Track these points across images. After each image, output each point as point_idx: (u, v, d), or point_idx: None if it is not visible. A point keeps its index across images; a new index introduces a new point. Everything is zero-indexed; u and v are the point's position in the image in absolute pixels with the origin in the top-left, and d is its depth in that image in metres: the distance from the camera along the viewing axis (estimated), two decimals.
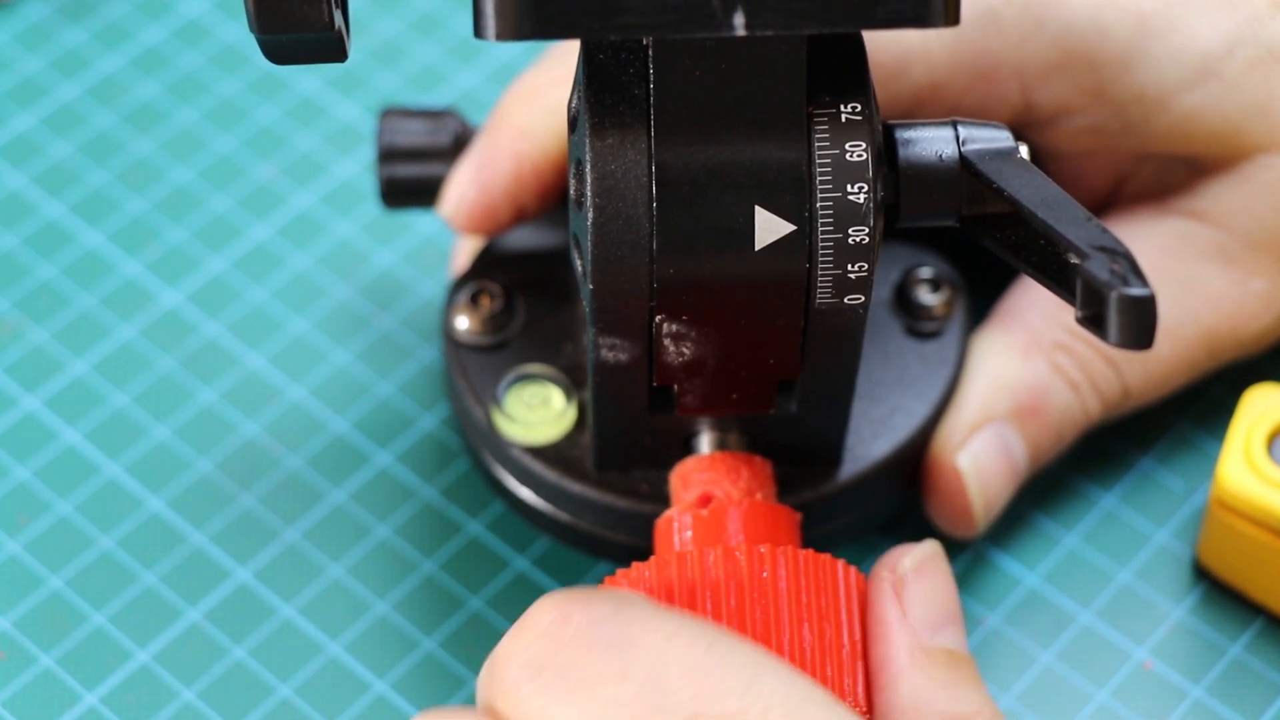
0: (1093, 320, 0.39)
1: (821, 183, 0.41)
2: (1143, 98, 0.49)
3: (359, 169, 0.59)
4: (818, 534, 0.48)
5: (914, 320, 0.50)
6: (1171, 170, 0.51)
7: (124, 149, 0.59)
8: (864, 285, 0.42)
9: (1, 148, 0.59)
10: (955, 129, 0.43)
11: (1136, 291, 0.38)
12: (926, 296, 0.50)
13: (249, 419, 0.53)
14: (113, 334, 0.55)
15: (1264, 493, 0.48)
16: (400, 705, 0.49)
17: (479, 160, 0.50)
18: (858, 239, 0.41)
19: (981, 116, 0.50)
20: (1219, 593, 0.50)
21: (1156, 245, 0.50)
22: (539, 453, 0.49)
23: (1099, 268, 0.38)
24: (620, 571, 0.44)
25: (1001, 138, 0.43)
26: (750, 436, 0.47)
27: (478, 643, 0.50)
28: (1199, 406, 0.54)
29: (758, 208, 0.41)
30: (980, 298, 0.52)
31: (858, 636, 0.43)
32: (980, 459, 0.49)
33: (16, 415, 0.54)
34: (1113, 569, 0.51)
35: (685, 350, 0.43)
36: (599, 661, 0.38)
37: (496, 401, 0.49)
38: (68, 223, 0.57)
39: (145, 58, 0.61)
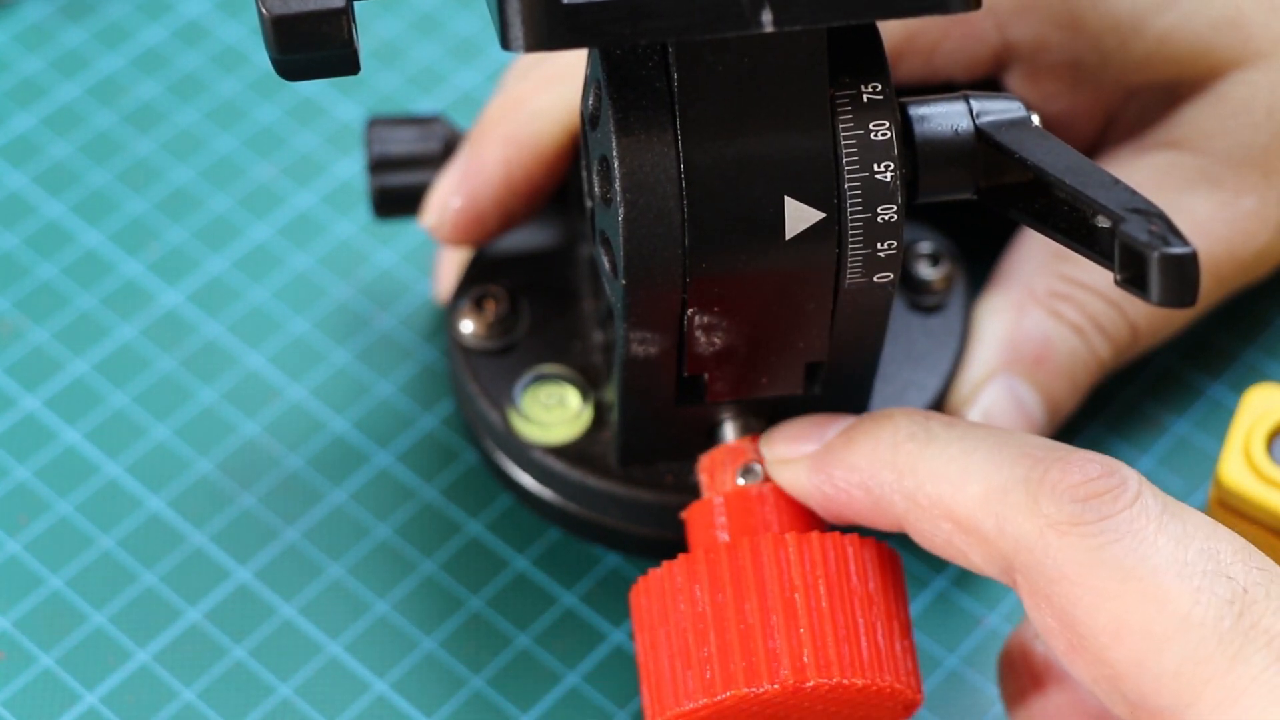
0: (1133, 281, 0.39)
1: (848, 164, 0.41)
2: (1117, 25, 0.49)
3: (359, 169, 0.59)
4: None
5: (916, 295, 0.51)
6: (1153, 107, 0.51)
7: (124, 149, 0.59)
8: (893, 263, 0.42)
9: (1, 148, 0.59)
10: (968, 102, 0.43)
11: (1178, 250, 0.38)
12: (926, 271, 0.51)
13: (249, 419, 0.53)
14: (113, 334, 0.55)
15: (1264, 493, 0.48)
16: (400, 705, 0.49)
17: (464, 170, 0.50)
18: (886, 217, 0.42)
19: (962, 60, 0.50)
20: None
21: (1139, 181, 0.50)
22: (560, 452, 0.49)
23: (1137, 229, 0.39)
24: (669, 564, 0.44)
25: (1013, 108, 0.43)
26: (773, 421, 0.47)
27: (478, 643, 0.50)
28: (1199, 407, 0.54)
29: (787, 197, 0.41)
30: (978, 268, 0.52)
31: (906, 616, 0.44)
32: (991, 413, 0.49)
33: (16, 415, 0.54)
34: None
35: (716, 340, 0.44)
36: None
37: (513, 403, 0.49)
38: (68, 223, 0.57)
39: (145, 58, 0.61)
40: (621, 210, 0.41)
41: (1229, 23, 0.49)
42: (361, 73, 0.61)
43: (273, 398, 0.54)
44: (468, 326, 0.51)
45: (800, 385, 0.45)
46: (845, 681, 0.42)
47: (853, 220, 0.42)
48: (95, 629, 0.50)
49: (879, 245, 0.42)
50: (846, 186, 0.41)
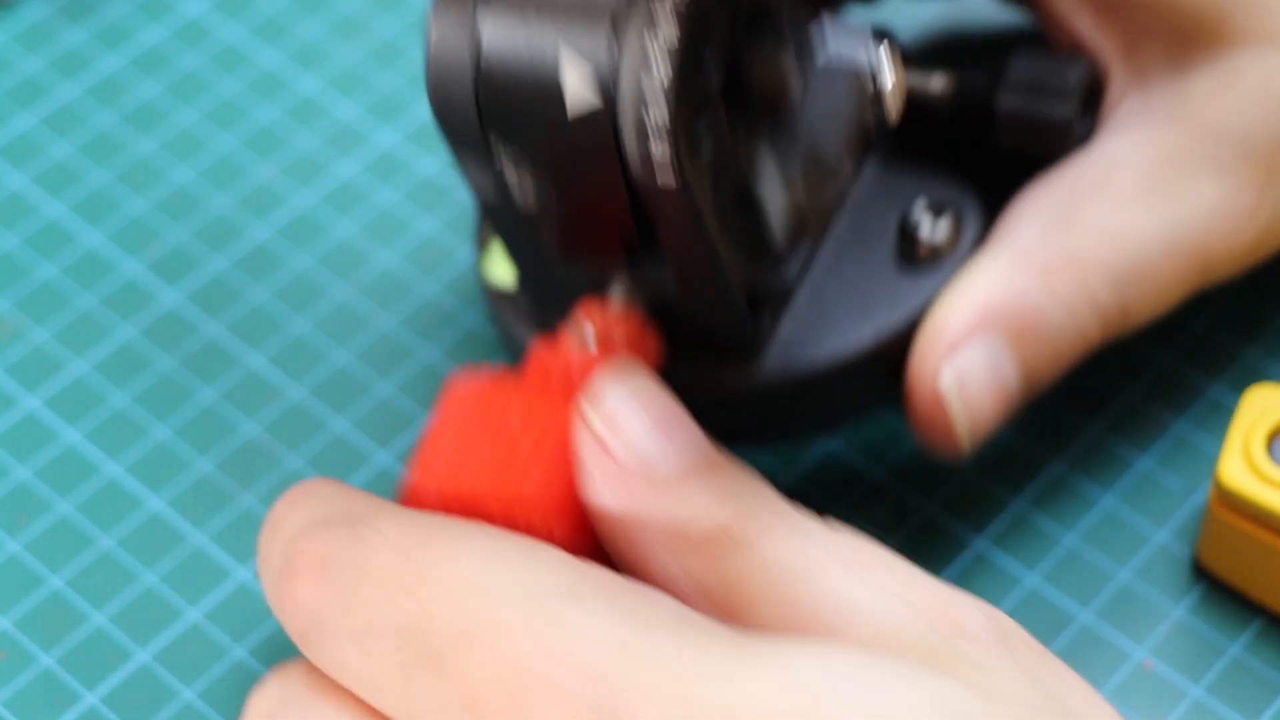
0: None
1: (628, 59, 0.42)
2: None
3: (359, 169, 0.59)
4: (729, 428, 0.48)
5: (906, 245, 0.49)
6: (1160, 64, 0.50)
7: (124, 149, 0.59)
8: (666, 171, 0.42)
9: (1, 148, 0.59)
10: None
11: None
12: (924, 224, 0.49)
13: (249, 419, 0.53)
14: (113, 334, 0.55)
15: (1264, 492, 0.48)
16: None
17: None
18: (658, 118, 0.42)
19: None
20: (1219, 593, 0.50)
21: (1148, 160, 0.49)
22: (505, 297, 0.50)
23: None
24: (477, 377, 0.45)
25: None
26: (654, 310, 0.47)
27: None
28: (1199, 406, 0.54)
29: (565, 80, 0.42)
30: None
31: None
32: (965, 378, 0.47)
33: (16, 415, 0.54)
34: (1112, 569, 0.51)
35: (528, 189, 0.44)
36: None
37: (486, 243, 0.51)
38: (68, 223, 0.58)
39: (145, 58, 0.61)
40: (431, 44, 0.43)
41: None
42: (362, 73, 0.61)
43: (273, 398, 0.54)
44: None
45: (620, 262, 0.46)
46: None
47: (627, 116, 0.42)
48: (95, 629, 0.50)
49: (654, 146, 0.42)
50: (622, 81, 0.42)
